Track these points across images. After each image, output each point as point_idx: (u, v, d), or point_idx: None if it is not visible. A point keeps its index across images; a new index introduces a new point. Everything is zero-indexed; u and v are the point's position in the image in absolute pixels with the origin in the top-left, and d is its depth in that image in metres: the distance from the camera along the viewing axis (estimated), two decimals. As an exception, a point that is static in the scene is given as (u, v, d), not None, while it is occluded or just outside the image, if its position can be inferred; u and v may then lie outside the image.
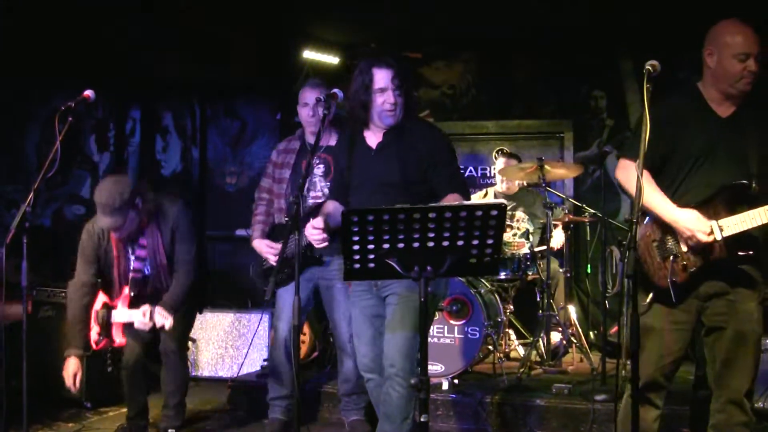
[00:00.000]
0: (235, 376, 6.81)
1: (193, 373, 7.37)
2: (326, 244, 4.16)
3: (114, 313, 5.22)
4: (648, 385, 3.91)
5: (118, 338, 5.23)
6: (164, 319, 4.99)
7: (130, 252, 5.28)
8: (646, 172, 3.90)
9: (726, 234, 3.72)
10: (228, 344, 7.42)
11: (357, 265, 3.32)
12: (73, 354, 5.18)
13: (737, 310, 3.82)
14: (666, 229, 3.85)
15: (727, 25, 3.86)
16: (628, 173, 3.97)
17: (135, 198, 5.02)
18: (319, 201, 5.22)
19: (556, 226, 7.10)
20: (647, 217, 3.98)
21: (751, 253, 3.76)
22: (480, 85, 9.18)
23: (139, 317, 4.99)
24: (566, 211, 7.27)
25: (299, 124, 5.81)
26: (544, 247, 6.66)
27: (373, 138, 4.24)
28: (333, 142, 5.22)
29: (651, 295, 3.89)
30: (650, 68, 3.61)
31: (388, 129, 4.18)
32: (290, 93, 9.03)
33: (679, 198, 3.85)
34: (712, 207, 3.79)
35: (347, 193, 4.30)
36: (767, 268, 3.89)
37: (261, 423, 5.89)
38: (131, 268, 5.27)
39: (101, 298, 5.30)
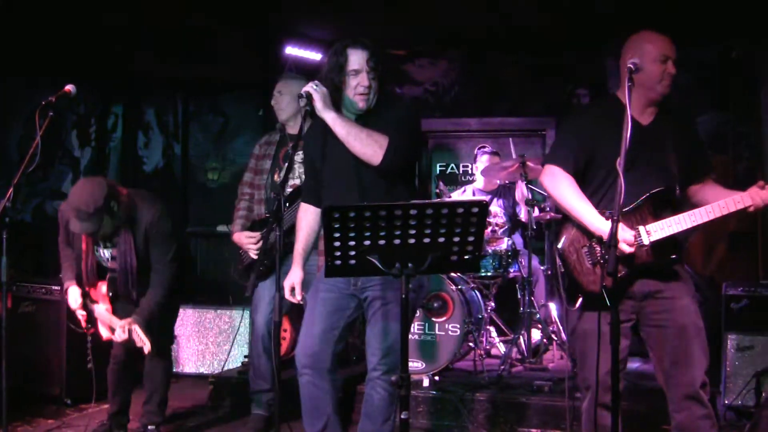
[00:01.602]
0: (217, 372, 6.80)
1: (175, 370, 7.35)
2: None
3: (96, 308, 5.20)
4: (603, 390, 3.88)
5: (105, 333, 5.20)
6: (142, 344, 4.93)
7: (101, 250, 5.25)
8: (571, 178, 3.96)
9: (653, 239, 3.77)
10: (209, 341, 7.40)
11: (338, 262, 3.32)
12: (68, 284, 5.23)
13: (674, 307, 3.86)
14: (593, 235, 3.87)
15: (645, 32, 3.98)
16: (553, 179, 4.00)
17: (110, 203, 4.86)
18: (298, 186, 5.17)
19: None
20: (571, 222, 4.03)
21: (675, 257, 3.84)
22: (463, 82, 9.19)
23: (119, 333, 4.96)
24: (547, 209, 7.27)
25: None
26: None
27: None
28: None
29: (580, 300, 3.92)
30: (632, 66, 3.66)
31: (360, 114, 4.08)
32: (273, 89, 9.04)
33: (605, 206, 3.88)
34: (638, 213, 3.83)
35: (319, 181, 4.20)
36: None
37: (243, 420, 5.88)
38: (107, 266, 5.24)
39: (75, 290, 5.28)
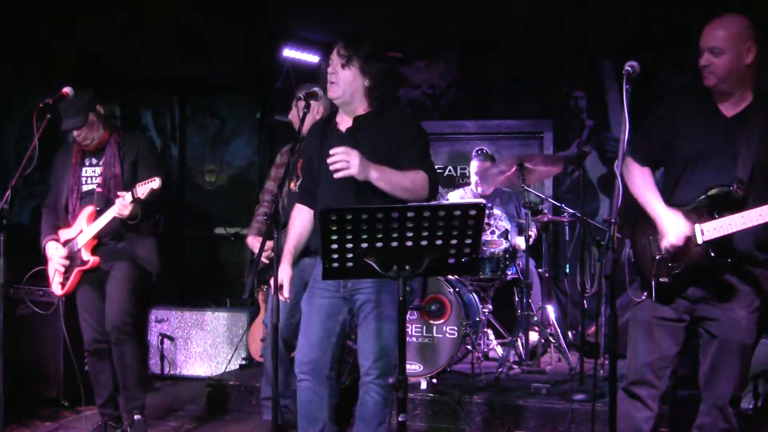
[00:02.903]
0: (215, 375, 6.79)
1: (172, 372, 7.35)
2: None
3: (79, 239, 5.26)
4: (637, 381, 3.91)
5: (89, 258, 5.26)
6: (151, 184, 4.98)
7: (86, 170, 5.40)
8: (646, 169, 3.94)
9: (707, 238, 3.71)
10: (207, 343, 7.40)
11: (335, 264, 3.31)
12: (47, 241, 5.37)
13: (724, 318, 3.79)
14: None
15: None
16: (627, 171, 4.01)
17: (95, 104, 5.26)
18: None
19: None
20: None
21: (730, 260, 3.73)
22: (460, 84, 9.20)
23: (121, 205, 5.01)
24: (545, 211, 7.28)
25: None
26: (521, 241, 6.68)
27: (343, 124, 4.12)
28: None
29: (645, 293, 3.90)
30: (630, 69, 3.62)
31: (358, 115, 4.06)
32: (271, 92, 9.04)
33: (680, 199, 3.86)
34: (698, 210, 3.78)
35: (315, 183, 4.19)
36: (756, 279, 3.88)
37: (240, 422, 5.88)
38: (91, 180, 5.38)
39: (52, 244, 5.36)
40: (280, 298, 4.15)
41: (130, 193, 4.99)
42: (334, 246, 3.24)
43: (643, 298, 3.88)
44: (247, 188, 9.19)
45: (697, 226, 3.74)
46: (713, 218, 3.72)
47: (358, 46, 3.99)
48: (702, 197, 3.78)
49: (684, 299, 3.86)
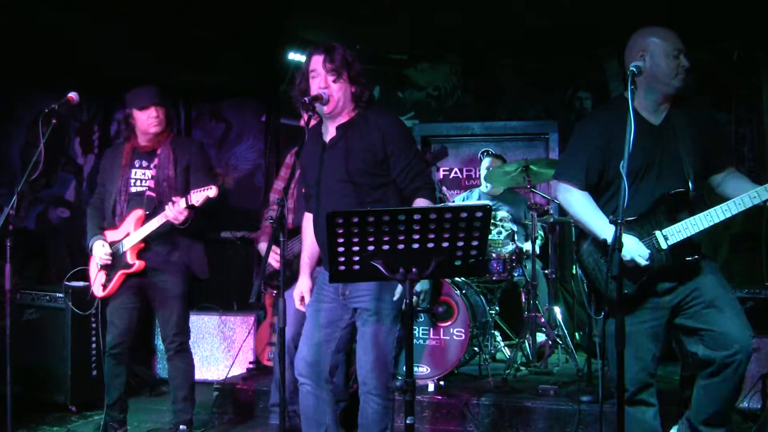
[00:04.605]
0: (222, 379, 6.79)
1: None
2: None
3: (125, 241, 5.23)
4: (637, 390, 3.94)
5: (134, 262, 5.23)
6: (207, 191, 5.04)
7: (135, 171, 5.35)
8: (583, 192, 3.96)
9: (671, 243, 3.79)
10: (214, 347, 7.40)
11: (342, 267, 3.31)
12: (94, 241, 5.31)
13: (699, 285, 3.87)
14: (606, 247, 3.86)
15: (652, 28, 3.96)
16: (566, 196, 4.04)
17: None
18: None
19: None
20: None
21: (696, 257, 3.83)
22: (465, 86, 9.19)
23: (172, 210, 5.03)
24: (550, 212, 7.28)
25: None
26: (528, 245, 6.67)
27: (327, 134, 4.11)
28: None
29: (604, 311, 3.92)
30: (635, 69, 3.63)
31: (341, 124, 4.04)
32: (275, 95, 9.04)
33: (617, 212, 3.84)
34: (653, 217, 3.84)
35: (309, 191, 4.21)
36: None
37: (247, 426, 5.88)
38: (141, 183, 5.34)
39: (99, 243, 5.32)
40: (302, 309, 4.19)
41: (184, 199, 5.00)
42: (341, 249, 3.24)
43: (602, 316, 3.92)
44: (253, 192, 9.20)
45: (657, 233, 3.81)
46: (672, 222, 3.80)
47: (344, 57, 3.99)
48: (654, 204, 3.85)
49: (654, 296, 3.90)
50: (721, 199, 3.87)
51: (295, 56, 8.46)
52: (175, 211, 5.01)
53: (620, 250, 3.40)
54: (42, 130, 4.59)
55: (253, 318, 7.35)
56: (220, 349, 7.39)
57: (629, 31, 4.05)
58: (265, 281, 5.66)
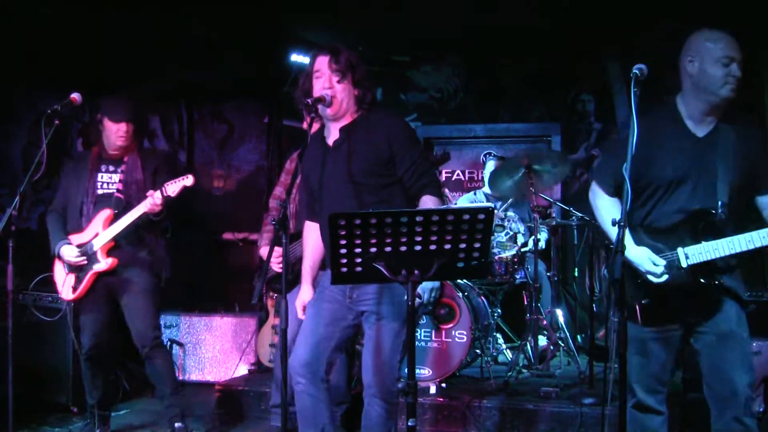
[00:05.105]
0: (224, 380, 6.79)
1: (181, 377, 7.35)
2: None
3: (95, 241, 5.29)
4: (643, 396, 3.88)
5: (105, 260, 5.29)
6: (183, 181, 5.16)
7: (101, 175, 5.44)
8: (610, 198, 3.92)
9: (692, 262, 3.69)
10: (216, 348, 7.40)
11: (344, 269, 3.30)
12: (60, 245, 5.37)
13: (716, 313, 3.75)
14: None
15: (707, 31, 3.79)
16: (594, 199, 4.01)
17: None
18: None
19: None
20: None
21: (717, 283, 3.71)
22: (468, 88, 9.19)
23: (152, 200, 5.12)
24: (553, 215, 7.27)
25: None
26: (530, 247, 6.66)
27: (330, 137, 4.10)
28: None
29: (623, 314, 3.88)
30: (638, 72, 3.57)
31: (344, 126, 4.03)
32: (277, 96, 9.04)
33: (649, 223, 3.83)
34: (678, 234, 3.74)
35: (312, 195, 4.19)
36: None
37: (249, 428, 5.87)
38: (108, 186, 5.43)
39: (67, 247, 5.36)
40: (302, 318, 4.18)
41: (159, 191, 5.08)
42: (343, 251, 3.23)
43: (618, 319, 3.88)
44: (255, 193, 9.20)
45: (680, 249, 3.71)
46: (697, 242, 3.69)
47: (349, 59, 3.98)
48: (683, 220, 3.75)
49: (672, 312, 3.80)
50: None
51: (298, 58, 8.45)
52: (150, 203, 5.11)
53: (623, 253, 3.37)
54: (45, 131, 4.60)
55: (255, 320, 7.34)
56: (221, 350, 7.38)
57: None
58: (267, 285, 5.66)
